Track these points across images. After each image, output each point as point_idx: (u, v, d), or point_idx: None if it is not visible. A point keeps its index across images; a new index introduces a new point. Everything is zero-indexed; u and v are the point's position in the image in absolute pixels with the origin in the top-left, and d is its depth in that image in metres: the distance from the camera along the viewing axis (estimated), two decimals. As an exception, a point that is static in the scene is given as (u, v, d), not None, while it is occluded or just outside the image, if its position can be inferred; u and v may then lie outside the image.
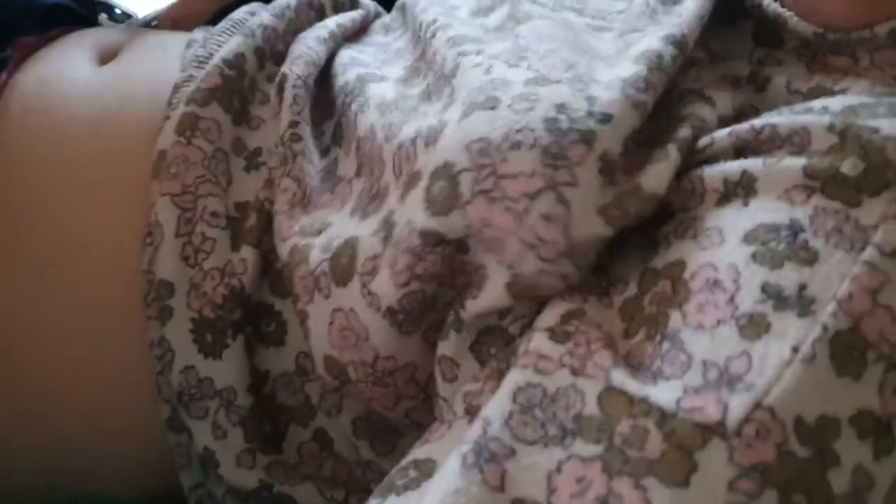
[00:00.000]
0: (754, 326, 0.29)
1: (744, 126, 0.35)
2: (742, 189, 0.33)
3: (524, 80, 0.37)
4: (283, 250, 0.42)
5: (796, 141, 0.33)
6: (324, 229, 0.41)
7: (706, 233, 0.32)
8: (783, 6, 0.41)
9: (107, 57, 0.52)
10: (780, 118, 0.34)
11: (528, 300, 0.35)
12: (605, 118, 0.34)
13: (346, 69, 0.48)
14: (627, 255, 0.35)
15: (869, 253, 0.29)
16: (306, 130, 0.45)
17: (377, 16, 0.56)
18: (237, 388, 0.42)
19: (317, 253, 0.40)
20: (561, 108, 0.35)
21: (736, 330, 0.29)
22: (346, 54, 0.49)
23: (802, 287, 0.29)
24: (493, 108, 0.36)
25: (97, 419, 0.45)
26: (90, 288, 0.45)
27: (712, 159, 0.35)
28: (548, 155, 0.33)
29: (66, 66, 0.51)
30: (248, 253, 0.43)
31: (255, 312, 0.43)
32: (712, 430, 0.27)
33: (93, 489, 0.47)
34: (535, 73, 0.37)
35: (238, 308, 0.43)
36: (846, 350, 0.28)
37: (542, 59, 0.39)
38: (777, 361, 0.28)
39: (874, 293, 0.28)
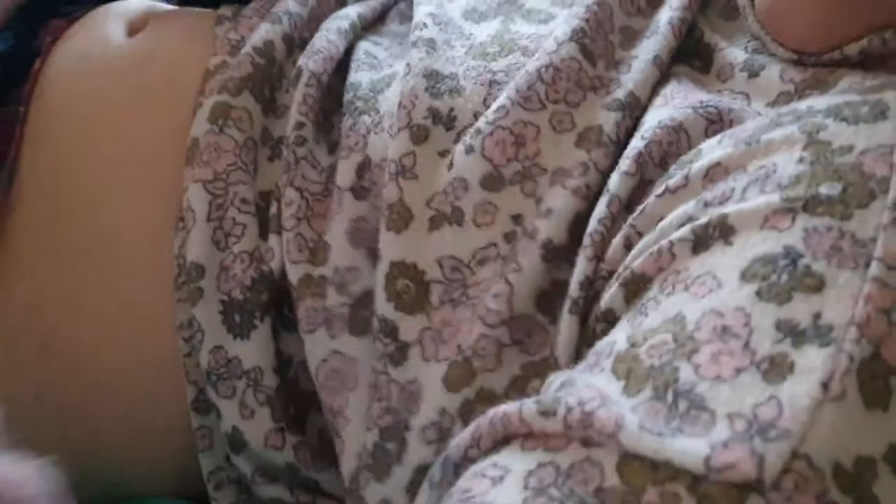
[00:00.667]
0: (777, 368, 0.27)
1: (676, 180, 0.36)
2: (717, 230, 0.32)
3: None
4: (294, 274, 0.43)
5: (764, 179, 0.33)
6: (328, 255, 0.43)
7: (698, 281, 0.31)
8: (760, 24, 0.43)
9: (136, 28, 0.53)
10: (722, 153, 0.35)
11: None
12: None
13: (360, 67, 0.49)
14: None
15: (875, 269, 0.29)
16: (311, 132, 0.46)
17: (396, 2, 0.57)
18: (263, 369, 0.44)
19: (333, 293, 0.42)
20: None
21: (759, 376, 0.27)
22: (362, 48, 0.50)
23: (817, 316, 0.28)
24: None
25: (132, 404, 0.47)
26: (125, 275, 0.46)
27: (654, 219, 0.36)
28: None
29: (98, 44, 0.52)
30: (274, 241, 0.45)
31: (285, 295, 0.45)
32: (750, 488, 0.25)
33: (126, 477, 0.48)
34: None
35: (266, 290, 0.44)
36: (871, 380, 0.27)
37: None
38: (808, 402, 0.26)
39: (888, 313, 0.28)
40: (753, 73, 0.42)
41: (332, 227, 0.44)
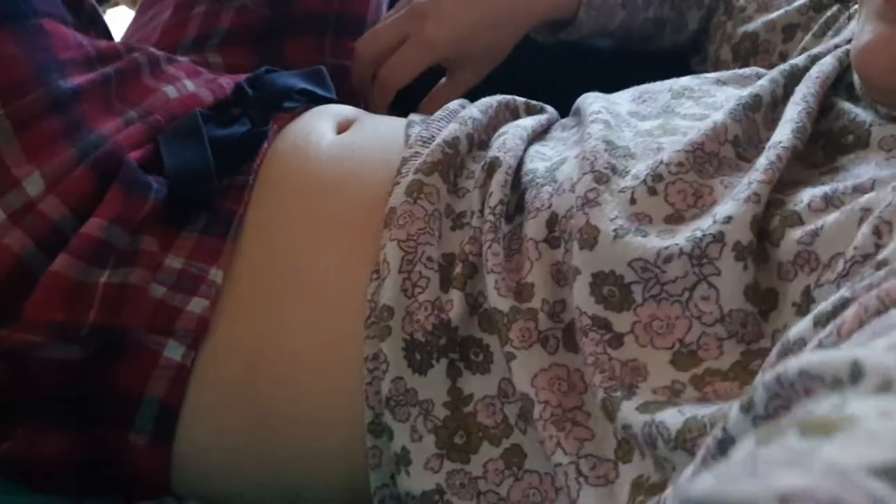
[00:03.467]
0: None
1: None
2: None
3: None
4: (504, 305, 0.51)
5: None
6: (533, 292, 0.51)
7: None
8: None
9: (342, 127, 0.65)
10: None
11: None
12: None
13: (533, 160, 0.58)
14: None
15: None
16: (506, 210, 0.55)
17: (557, 120, 0.67)
18: (434, 402, 0.51)
19: (544, 319, 0.50)
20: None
21: None
22: (533, 149, 0.60)
23: None
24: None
25: (313, 425, 0.54)
26: (322, 315, 0.55)
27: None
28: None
29: (314, 135, 0.63)
30: (455, 295, 0.52)
31: (464, 343, 0.52)
32: None
33: (300, 489, 0.55)
34: None
35: (444, 336, 0.52)
36: None
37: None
38: None
39: None
40: None
41: (533, 271, 0.52)
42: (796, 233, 0.46)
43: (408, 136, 0.61)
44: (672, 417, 0.43)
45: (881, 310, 0.35)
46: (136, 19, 0.89)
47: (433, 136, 0.60)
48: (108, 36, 0.67)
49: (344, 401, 0.54)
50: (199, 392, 0.54)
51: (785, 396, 0.28)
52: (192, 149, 0.59)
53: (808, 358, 0.28)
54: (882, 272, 0.39)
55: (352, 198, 0.58)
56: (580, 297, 0.49)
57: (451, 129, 0.60)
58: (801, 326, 0.40)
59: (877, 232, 0.43)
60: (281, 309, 0.55)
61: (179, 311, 0.54)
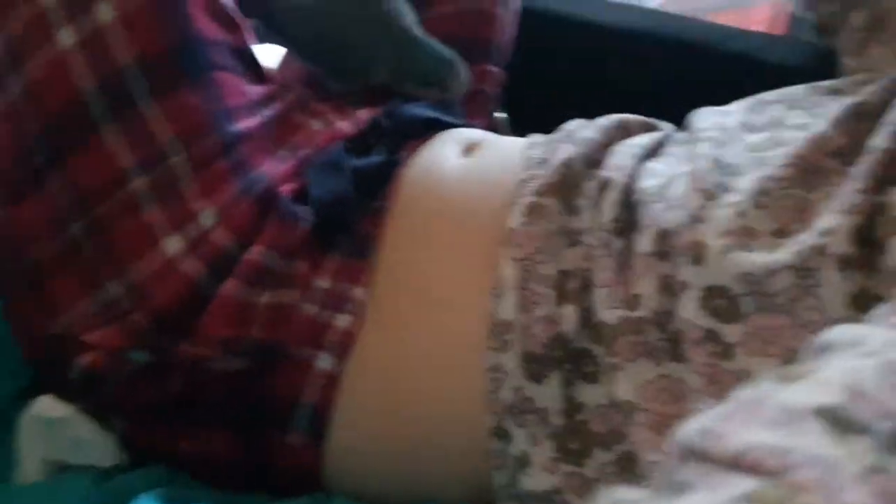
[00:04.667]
0: None
1: None
2: None
3: None
4: (612, 317, 0.55)
5: None
6: (639, 303, 0.55)
7: None
8: None
9: (469, 150, 0.70)
10: None
11: None
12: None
13: (647, 177, 0.61)
14: None
15: None
16: (618, 226, 0.59)
17: (672, 135, 0.70)
18: (550, 409, 0.56)
19: (652, 330, 0.54)
20: None
21: None
22: (646, 166, 0.63)
23: None
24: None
25: (439, 429, 0.60)
26: (447, 328, 0.61)
27: None
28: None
29: (440, 159, 0.69)
30: (569, 310, 0.57)
31: (577, 355, 0.56)
32: None
33: (428, 487, 0.61)
34: None
35: (559, 349, 0.56)
36: None
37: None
38: None
39: None
40: None
41: (641, 283, 0.55)
42: None
43: (527, 159, 0.67)
44: None
45: None
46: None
47: (547, 159, 0.65)
48: (263, 77, 0.75)
49: (469, 406, 0.59)
50: (347, 398, 0.61)
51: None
52: (335, 179, 0.66)
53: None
54: None
55: (473, 219, 0.64)
56: (690, 310, 0.53)
57: (566, 150, 0.64)
58: None
59: None
60: (415, 323, 0.62)
61: (328, 327, 0.61)
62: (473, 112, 0.87)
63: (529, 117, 0.88)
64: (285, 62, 0.93)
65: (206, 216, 0.62)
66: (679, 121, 0.69)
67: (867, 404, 0.28)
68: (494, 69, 0.91)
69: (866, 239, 0.50)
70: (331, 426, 0.61)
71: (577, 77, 1.01)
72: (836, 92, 0.63)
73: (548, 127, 0.71)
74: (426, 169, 0.69)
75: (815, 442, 0.27)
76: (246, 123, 0.66)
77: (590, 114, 0.71)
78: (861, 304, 0.49)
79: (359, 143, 0.72)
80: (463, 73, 0.82)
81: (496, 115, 0.92)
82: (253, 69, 0.72)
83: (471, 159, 0.69)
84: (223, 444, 0.62)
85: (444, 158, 0.69)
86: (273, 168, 0.67)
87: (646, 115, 0.71)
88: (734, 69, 0.91)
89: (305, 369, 0.61)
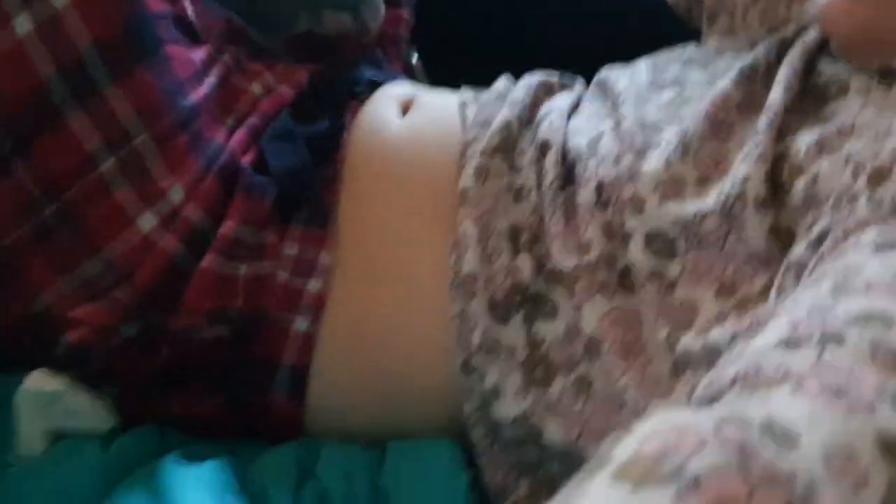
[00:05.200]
0: None
1: None
2: None
3: None
4: (567, 263, 0.63)
5: None
6: (591, 248, 0.63)
7: None
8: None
9: (404, 107, 0.76)
10: None
11: None
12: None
13: (575, 135, 0.69)
14: None
15: None
16: (561, 184, 0.66)
17: (584, 91, 0.77)
18: (516, 346, 0.64)
19: (602, 271, 0.62)
20: None
21: None
22: (571, 125, 0.70)
23: None
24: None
25: (413, 371, 0.68)
26: (413, 283, 0.68)
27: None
28: None
29: (382, 122, 0.74)
30: (524, 260, 0.65)
31: (535, 297, 0.64)
32: None
33: (404, 420, 0.69)
34: None
35: (519, 294, 0.64)
36: None
37: None
38: None
39: None
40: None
41: (587, 231, 0.63)
42: (800, 182, 0.58)
43: (464, 119, 0.73)
44: (721, 336, 0.56)
45: (842, 238, 0.49)
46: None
47: (489, 120, 0.71)
48: (198, 38, 0.76)
49: (439, 352, 0.67)
50: (323, 356, 0.67)
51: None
52: (291, 149, 0.71)
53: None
54: (852, 205, 0.52)
55: (423, 181, 0.70)
56: (635, 252, 0.62)
57: (504, 115, 0.71)
58: (798, 251, 0.54)
59: (855, 173, 0.55)
60: (380, 281, 0.68)
61: (301, 292, 0.67)
62: (392, 58, 0.92)
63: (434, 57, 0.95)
64: (199, 13, 0.94)
65: (175, 192, 0.66)
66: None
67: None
68: (406, 14, 0.95)
69: (775, 182, 0.59)
70: (310, 383, 0.67)
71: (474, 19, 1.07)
72: (719, 52, 0.73)
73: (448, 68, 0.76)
74: (370, 132, 0.74)
75: None
76: (196, 94, 0.69)
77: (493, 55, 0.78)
78: (776, 235, 0.58)
79: (301, 108, 0.76)
80: (377, 3, 0.86)
81: (412, 61, 0.97)
82: (191, 34, 0.74)
83: (410, 120, 0.74)
84: (212, 406, 0.67)
85: (386, 121, 0.74)
86: (226, 138, 0.70)
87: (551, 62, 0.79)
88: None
89: (284, 333, 0.66)
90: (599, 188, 0.64)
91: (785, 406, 0.34)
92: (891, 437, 0.32)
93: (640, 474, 0.31)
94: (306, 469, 0.65)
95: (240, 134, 0.71)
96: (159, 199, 0.65)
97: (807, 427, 0.32)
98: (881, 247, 0.46)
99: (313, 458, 0.66)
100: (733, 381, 0.37)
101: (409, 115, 0.75)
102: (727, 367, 0.39)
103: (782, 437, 0.32)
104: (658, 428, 0.33)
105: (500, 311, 0.65)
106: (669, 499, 0.30)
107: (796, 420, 0.33)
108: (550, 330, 0.64)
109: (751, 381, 0.36)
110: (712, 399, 0.37)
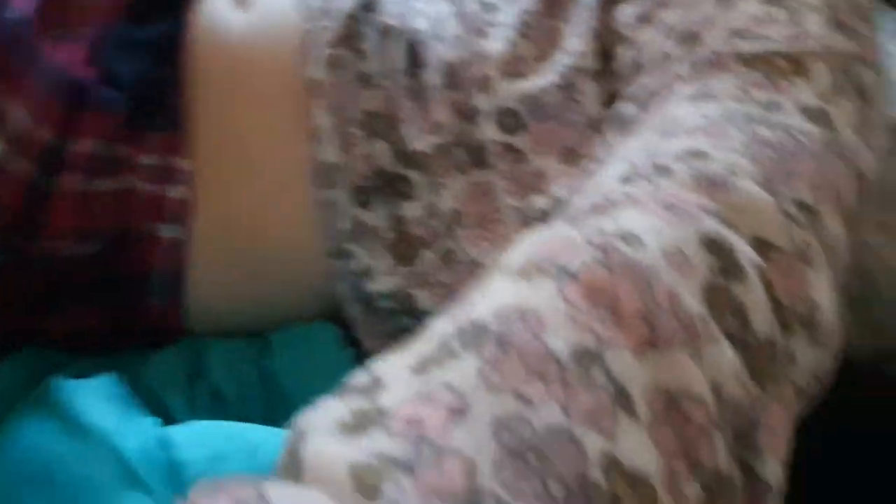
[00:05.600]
0: None
1: None
2: None
3: None
4: (422, 145, 0.67)
5: None
6: (441, 130, 0.67)
7: None
8: None
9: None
10: None
11: None
12: None
13: (414, 17, 0.71)
14: None
15: None
16: (409, 69, 0.69)
17: None
18: (381, 227, 0.68)
19: (457, 150, 0.66)
20: None
21: None
22: (407, 6, 0.72)
23: None
24: None
25: (283, 256, 0.71)
26: (273, 176, 0.70)
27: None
28: None
29: (219, 19, 0.73)
30: (381, 145, 0.68)
31: (395, 179, 0.68)
32: None
33: (278, 304, 0.72)
34: None
35: (379, 178, 0.68)
36: None
37: None
38: None
39: None
40: None
41: (438, 111, 0.67)
42: (628, 53, 0.63)
43: (305, 8, 0.73)
44: (566, 191, 0.62)
45: (664, 95, 0.57)
46: None
47: (329, 8, 0.72)
48: None
49: (309, 242, 0.70)
50: (196, 260, 0.69)
51: None
52: (135, 58, 0.69)
53: None
54: (672, 67, 0.59)
55: (270, 74, 0.71)
56: (486, 129, 0.66)
57: (344, 1, 0.72)
58: (622, 108, 0.60)
59: (672, 39, 0.60)
60: (241, 179, 0.70)
61: (164, 199, 0.67)
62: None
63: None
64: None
65: (19, 115, 0.64)
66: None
67: None
68: None
69: (604, 51, 0.64)
70: (188, 288, 0.69)
71: None
72: None
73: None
74: (209, 30, 0.73)
75: None
76: (21, 7, 0.67)
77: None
78: (608, 102, 0.64)
79: (135, 10, 0.74)
80: None
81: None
82: None
83: (248, 14, 0.74)
84: (91, 320, 0.68)
85: (223, 16, 0.74)
86: (64, 56, 0.68)
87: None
88: None
89: (153, 242, 0.67)
90: (446, 70, 0.68)
91: (632, 221, 0.43)
92: (708, 237, 0.43)
93: (531, 272, 0.41)
94: (195, 369, 0.68)
95: (75, 47, 0.69)
96: (4, 124, 0.63)
97: (649, 233, 0.42)
98: (696, 98, 0.54)
99: (200, 358, 0.68)
100: (589, 209, 0.46)
101: (248, 9, 0.75)
102: (582, 200, 0.48)
103: (632, 240, 0.42)
104: (542, 238, 0.44)
105: (363, 196, 0.68)
106: (556, 288, 0.39)
107: (641, 229, 0.43)
108: (412, 209, 0.68)
109: (601, 207, 0.46)
110: (574, 222, 0.45)
